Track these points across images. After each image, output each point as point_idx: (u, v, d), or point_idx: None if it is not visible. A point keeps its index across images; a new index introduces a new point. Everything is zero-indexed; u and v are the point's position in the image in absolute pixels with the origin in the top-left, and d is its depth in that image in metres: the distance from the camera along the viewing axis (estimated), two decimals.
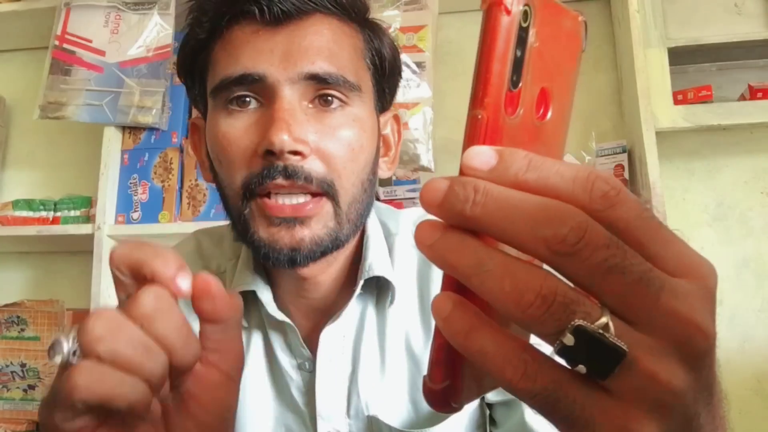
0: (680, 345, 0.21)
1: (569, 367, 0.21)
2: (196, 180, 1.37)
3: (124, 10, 1.41)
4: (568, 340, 0.21)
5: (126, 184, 1.40)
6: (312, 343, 0.61)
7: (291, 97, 0.54)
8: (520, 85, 0.24)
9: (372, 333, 0.62)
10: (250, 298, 0.62)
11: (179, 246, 0.73)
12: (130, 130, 1.42)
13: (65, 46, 1.40)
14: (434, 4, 1.32)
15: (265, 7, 0.53)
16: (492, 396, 0.62)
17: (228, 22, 0.56)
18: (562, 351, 0.21)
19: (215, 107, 0.57)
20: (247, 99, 0.55)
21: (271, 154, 0.52)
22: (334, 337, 0.61)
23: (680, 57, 1.34)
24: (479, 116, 0.23)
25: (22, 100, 1.67)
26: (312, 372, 0.61)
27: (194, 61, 0.60)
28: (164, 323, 0.32)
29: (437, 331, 0.24)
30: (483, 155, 0.22)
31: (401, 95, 1.08)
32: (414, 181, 1.33)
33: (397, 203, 1.30)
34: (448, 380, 0.24)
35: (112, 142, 1.40)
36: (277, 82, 0.53)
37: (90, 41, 1.40)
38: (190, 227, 1.27)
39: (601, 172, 0.22)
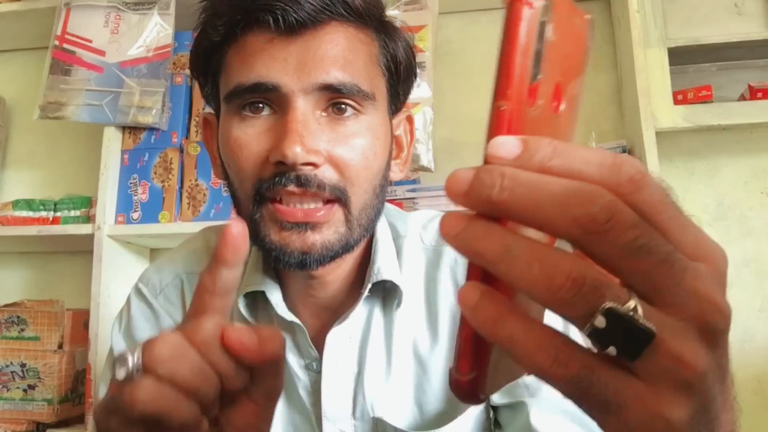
0: (702, 324, 0.22)
1: (598, 350, 0.22)
2: (196, 180, 1.37)
3: (124, 10, 1.41)
4: (600, 322, 0.21)
5: (126, 184, 1.39)
6: (319, 343, 0.62)
7: (304, 107, 0.53)
8: (540, 77, 0.24)
9: (378, 335, 0.63)
10: (259, 298, 0.63)
11: (187, 243, 0.73)
12: (130, 130, 1.42)
13: (65, 46, 1.39)
14: (434, 4, 1.31)
15: (279, 17, 0.53)
16: (497, 398, 0.62)
17: (242, 29, 0.56)
18: (592, 333, 0.21)
19: (228, 111, 0.57)
20: (261, 105, 0.55)
21: (283, 164, 0.52)
22: (341, 339, 0.62)
23: (680, 57, 1.34)
24: (502, 107, 0.23)
25: (22, 100, 1.66)
26: (319, 372, 0.61)
27: (207, 61, 0.60)
28: (220, 352, 0.35)
29: (464, 321, 0.24)
30: (508, 144, 0.23)
31: None
32: (414, 181, 1.33)
33: (397, 203, 1.29)
34: (475, 371, 0.24)
35: (112, 142, 1.39)
36: (291, 92, 0.53)
37: (90, 41, 1.39)
38: (190, 227, 1.27)
39: (626, 157, 0.22)
